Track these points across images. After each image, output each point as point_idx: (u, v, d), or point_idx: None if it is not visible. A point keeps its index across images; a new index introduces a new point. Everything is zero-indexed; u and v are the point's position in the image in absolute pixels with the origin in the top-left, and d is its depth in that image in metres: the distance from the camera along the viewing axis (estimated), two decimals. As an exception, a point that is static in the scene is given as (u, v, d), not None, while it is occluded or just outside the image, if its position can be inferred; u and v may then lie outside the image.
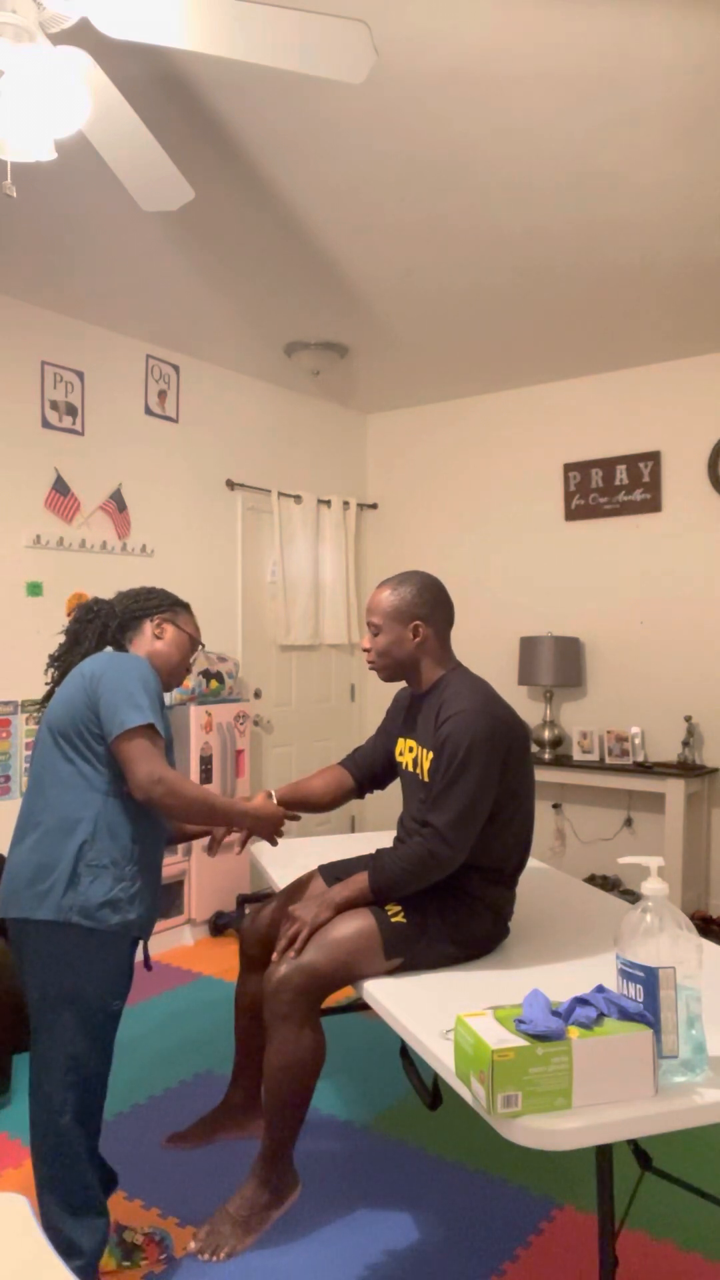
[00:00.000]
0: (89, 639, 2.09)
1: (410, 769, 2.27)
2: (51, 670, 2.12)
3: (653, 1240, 2.13)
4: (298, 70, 1.82)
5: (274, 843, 2.27)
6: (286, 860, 2.80)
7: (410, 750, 2.28)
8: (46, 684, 2.13)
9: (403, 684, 2.46)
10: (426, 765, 2.16)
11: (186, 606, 2.20)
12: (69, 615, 4.08)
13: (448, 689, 2.18)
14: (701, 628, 4.45)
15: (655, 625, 4.59)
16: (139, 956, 2.03)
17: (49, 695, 2.07)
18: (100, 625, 2.10)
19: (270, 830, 2.22)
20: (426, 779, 2.16)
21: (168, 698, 3.14)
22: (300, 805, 2.40)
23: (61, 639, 2.14)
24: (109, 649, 2.07)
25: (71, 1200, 1.88)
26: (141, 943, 1.98)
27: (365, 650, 2.30)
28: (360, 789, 2.47)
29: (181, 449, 4.50)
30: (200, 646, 2.23)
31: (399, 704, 2.43)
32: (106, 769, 1.90)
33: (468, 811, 2.03)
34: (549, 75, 2.31)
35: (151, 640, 2.11)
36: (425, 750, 2.18)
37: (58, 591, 3.89)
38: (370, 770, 2.45)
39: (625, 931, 1.51)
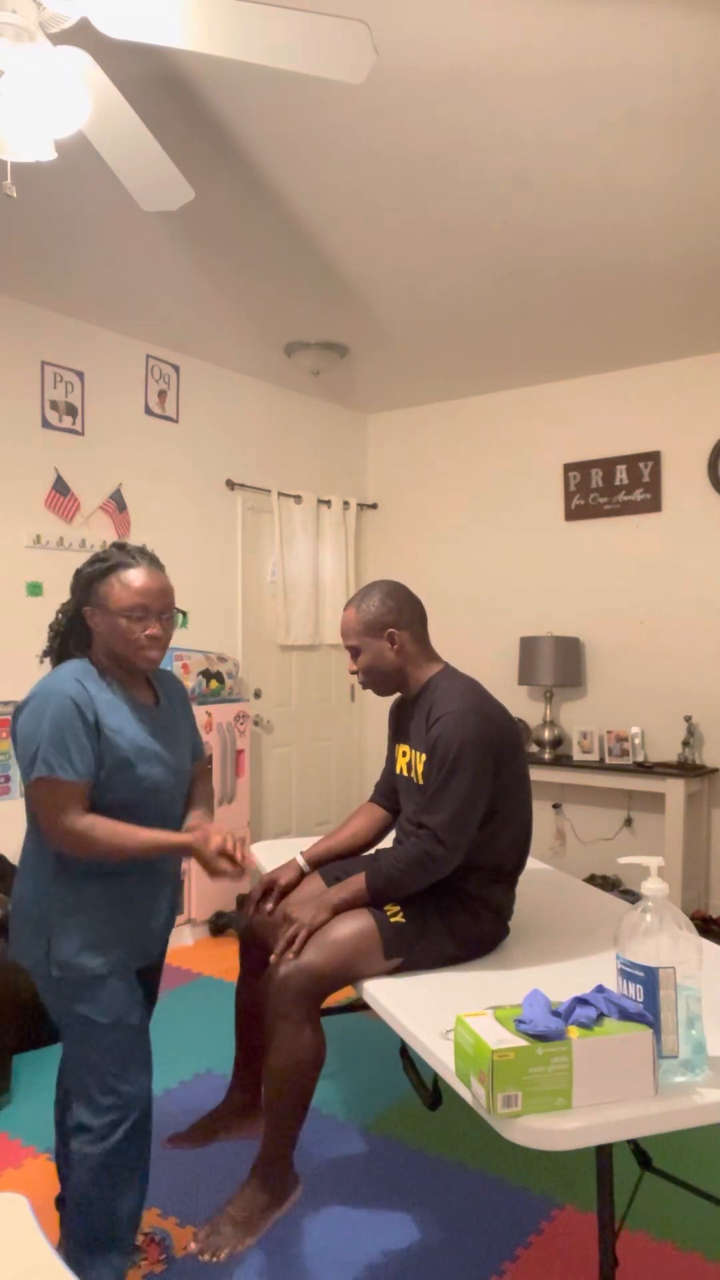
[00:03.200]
0: (53, 654, 1.97)
1: (405, 773, 2.28)
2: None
3: (653, 1240, 2.12)
4: (298, 70, 1.82)
5: (227, 873, 1.89)
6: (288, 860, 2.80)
7: (405, 754, 2.28)
8: None
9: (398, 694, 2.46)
10: (420, 767, 2.16)
11: (115, 566, 1.85)
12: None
13: (437, 690, 2.18)
14: (701, 627, 4.45)
15: (655, 625, 4.59)
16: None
17: None
18: (55, 640, 1.96)
19: (207, 862, 1.87)
20: (421, 781, 2.16)
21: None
22: (337, 858, 2.41)
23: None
24: (60, 668, 1.88)
25: (96, 1233, 1.84)
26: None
27: (352, 673, 2.30)
28: (395, 814, 2.48)
29: (181, 449, 4.50)
30: (138, 613, 1.84)
31: (394, 712, 2.43)
32: None
33: (462, 811, 2.03)
34: (549, 75, 2.31)
35: (95, 634, 1.90)
36: (418, 753, 2.18)
37: (58, 591, 3.86)
38: (395, 791, 2.46)
39: (625, 931, 1.51)
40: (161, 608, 1.87)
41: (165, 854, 1.89)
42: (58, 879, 1.83)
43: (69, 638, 1.95)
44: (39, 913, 1.83)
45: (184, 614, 1.95)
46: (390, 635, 2.21)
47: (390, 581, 2.28)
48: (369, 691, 5.51)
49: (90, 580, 1.86)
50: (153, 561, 1.92)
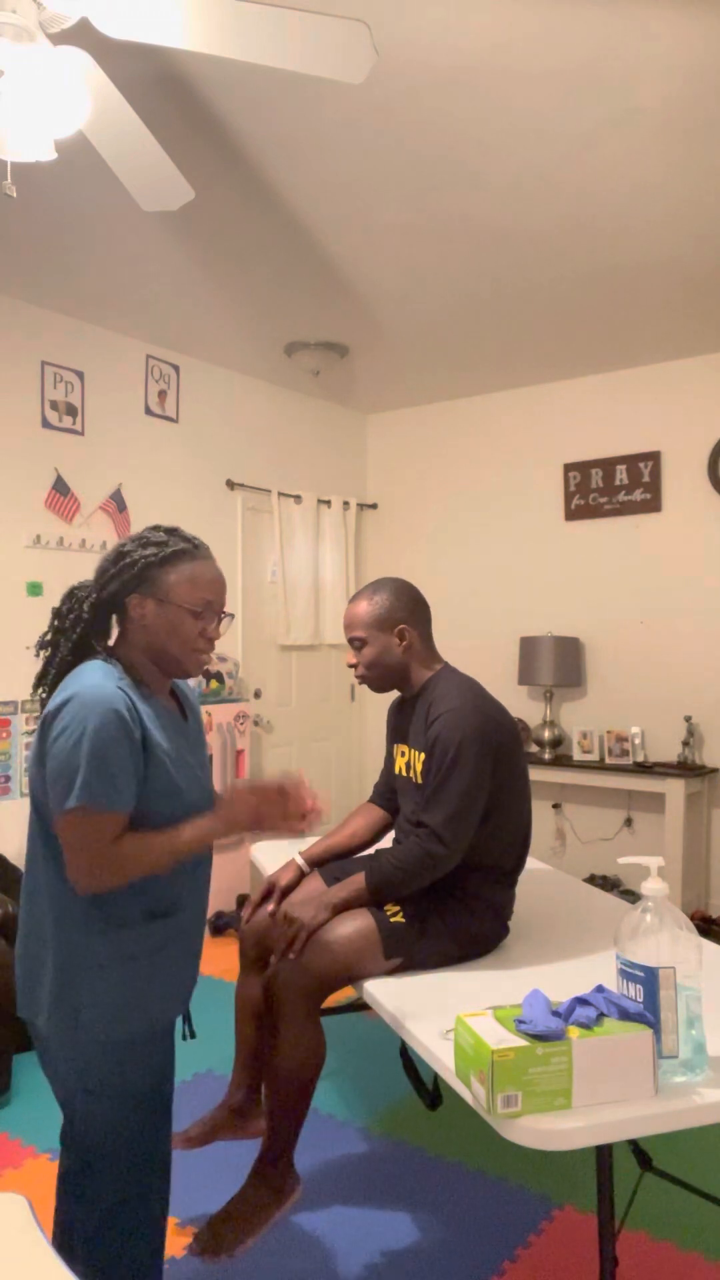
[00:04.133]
0: (63, 653, 1.62)
1: (404, 773, 2.28)
2: (40, 693, 1.65)
3: (653, 1240, 2.12)
4: (298, 70, 1.82)
5: (297, 832, 1.65)
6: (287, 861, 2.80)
7: (404, 754, 2.28)
8: (36, 719, 1.71)
9: (393, 693, 2.45)
10: (419, 766, 2.16)
11: (178, 554, 1.61)
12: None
13: (436, 689, 2.18)
14: (701, 627, 4.45)
15: (655, 625, 4.59)
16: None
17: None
18: (72, 631, 1.62)
19: (261, 814, 1.60)
20: (420, 781, 2.16)
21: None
22: (336, 858, 2.42)
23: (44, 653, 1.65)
24: (89, 668, 1.55)
25: None
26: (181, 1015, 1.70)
27: (351, 666, 2.27)
28: (394, 814, 2.48)
29: (181, 449, 4.50)
30: (205, 612, 1.62)
31: (392, 713, 2.43)
32: None
33: (461, 809, 2.03)
34: (549, 75, 2.31)
35: (136, 626, 1.61)
36: (417, 752, 2.18)
37: (58, 591, 3.89)
38: (393, 792, 2.46)
39: (625, 931, 1.51)
40: (221, 605, 1.67)
41: (212, 840, 1.57)
42: (89, 928, 1.50)
43: (89, 630, 1.64)
44: (63, 974, 1.50)
45: (231, 615, 1.73)
46: (401, 632, 2.21)
47: (400, 579, 2.28)
48: (369, 692, 5.52)
49: (146, 566, 1.59)
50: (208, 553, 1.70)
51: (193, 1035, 1.81)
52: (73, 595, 1.65)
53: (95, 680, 1.50)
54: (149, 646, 1.62)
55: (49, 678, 1.62)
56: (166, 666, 1.64)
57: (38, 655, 1.66)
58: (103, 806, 1.45)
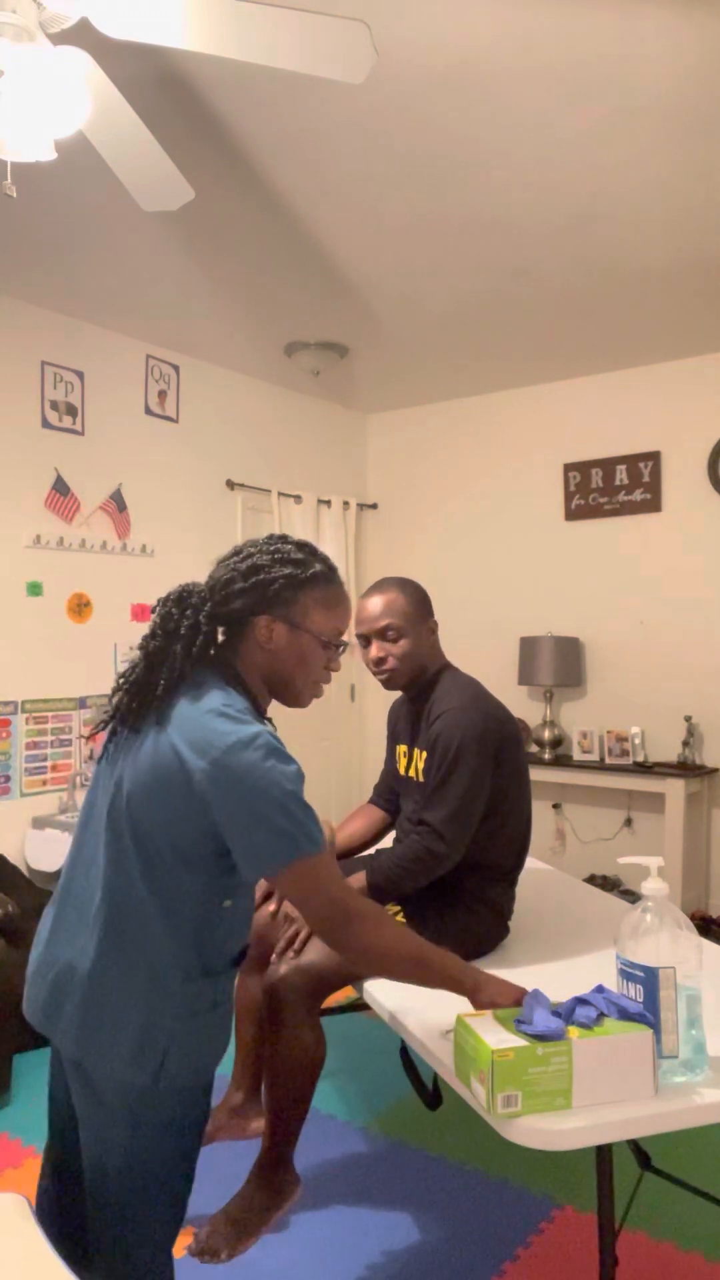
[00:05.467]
0: (173, 662, 1.44)
1: (405, 773, 2.27)
2: (119, 699, 1.46)
3: (653, 1240, 2.12)
4: (298, 70, 1.81)
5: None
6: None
7: (406, 754, 2.28)
8: (107, 721, 1.48)
9: (392, 693, 2.45)
10: (421, 765, 2.16)
11: (318, 578, 1.50)
12: (69, 611, 4.09)
13: (438, 688, 2.18)
14: (701, 628, 4.45)
15: (655, 625, 4.59)
16: None
17: (112, 730, 1.47)
18: (191, 642, 1.44)
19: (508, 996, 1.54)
20: (421, 779, 2.16)
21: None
22: (336, 858, 2.40)
23: (136, 655, 1.49)
24: (213, 697, 1.39)
25: None
26: None
27: (380, 660, 2.15)
28: (394, 815, 2.48)
29: (181, 449, 4.50)
30: (340, 647, 1.54)
31: (393, 713, 2.43)
32: (207, 885, 1.39)
33: (462, 807, 2.03)
34: (548, 74, 2.31)
35: (258, 649, 1.48)
36: (419, 751, 2.18)
37: (58, 591, 3.89)
38: (393, 793, 2.45)
39: (625, 931, 1.51)
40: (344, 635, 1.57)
41: (451, 987, 1.53)
42: (187, 976, 1.39)
43: (208, 643, 1.47)
44: (154, 1023, 1.38)
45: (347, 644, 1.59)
46: (433, 625, 2.20)
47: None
48: (369, 692, 5.52)
49: (285, 587, 1.48)
50: None
51: None
52: (184, 601, 1.48)
53: (256, 724, 1.36)
54: (271, 672, 1.50)
55: (157, 689, 1.43)
56: (281, 694, 1.53)
57: (140, 660, 1.47)
58: (323, 852, 1.36)
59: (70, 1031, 1.41)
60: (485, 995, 1.53)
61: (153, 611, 1.50)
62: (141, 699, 1.44)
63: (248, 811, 1.31)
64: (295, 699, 1.53)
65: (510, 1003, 1.52)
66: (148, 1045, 1.37)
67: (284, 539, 1.55)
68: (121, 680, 1.48)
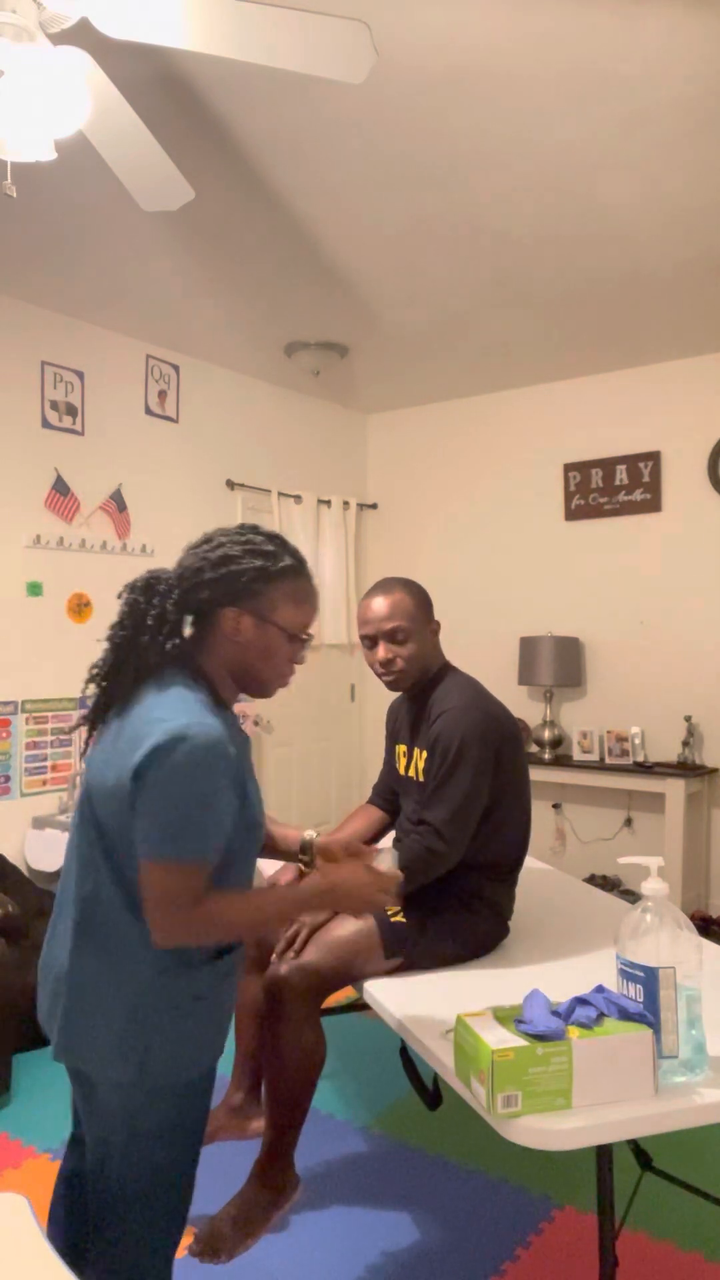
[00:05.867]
0: (140, 652, 1.44)
1: (405, 772, 2.27)
2: (92, 689, 1.48)
3: (653, 1240, 2.12)
4: (298, 70, 1.81)
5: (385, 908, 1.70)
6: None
7: (406, 754, 2.28)
8: (86, 721, 1.49)
9: (392, 693, 2.45)
10: (421, 764, 2.16)
11: (287, 571, 1.50)
12: (69, 611, 4.10)
13: (439, 688, 2.18)
14: (701, 628, 4.45)
15: (655, 625, 4.59)
16: None
17: (92, 720, 1.48)
18: (158, 631, 1.44)
19: (370, 900, 1.59)
20: (421, 779, 2.16)
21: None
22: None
23: (105, 646, 1.48)
24: (176, 689, 1.40)
25: None
26: None
27: (388, 662, 2.14)
28: (393, 815, 2.47)
29: (181, 449, 4.50)
30: (307, 641, 1.54)
31: (393, 712, 2.43)
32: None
33: (463, 807, 2.03)
34: (549, 76, 2.31)
35: (225, 640, 1.48)
36: (419, 750, 2.18)
37: (58, 591, 3.89)
38: (392, 793, 2.45)
39: (625, 931, 1.51)
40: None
41: (304, 913, 1.53)
42: (161, 968, 1.39)
43: (173, 631, 1.46)
44: (131, 1018, 1.38)
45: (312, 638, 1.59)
46: (436, 626, 2.20)
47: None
48: (369, 692, 5.52)
49: (254, 579, 1.47)
50: None
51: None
52: (151, 589, 1.46)
53: (202, 716, 1.35)
54: (236, 663, 1.49)
55: (123, 678, 1.44)
56: (247, 685, 1.53)
57: (108, 651, 1.48)
58: (202, 861, 1.34)
59: (59, 1032, 1.42)
60: (343, 903, 1.55)
61: (119, 598, 1.50)
62: (109, 691, 1.45)
63: (148, 799, 1.32)
64: (261, 690, 1.53)
65: (364, 901, 1.56)
66: (129, 1041, 1.37)
67: (255, 529, 1.54)
68: (94, 672, 1.48)
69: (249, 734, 4.50)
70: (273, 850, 1.83)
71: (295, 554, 1.54)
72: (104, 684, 1.46)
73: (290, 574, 1.50)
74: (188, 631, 1.50)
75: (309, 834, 1.85)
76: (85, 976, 1.41)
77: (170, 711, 1.35)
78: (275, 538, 1.54)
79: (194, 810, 1.31)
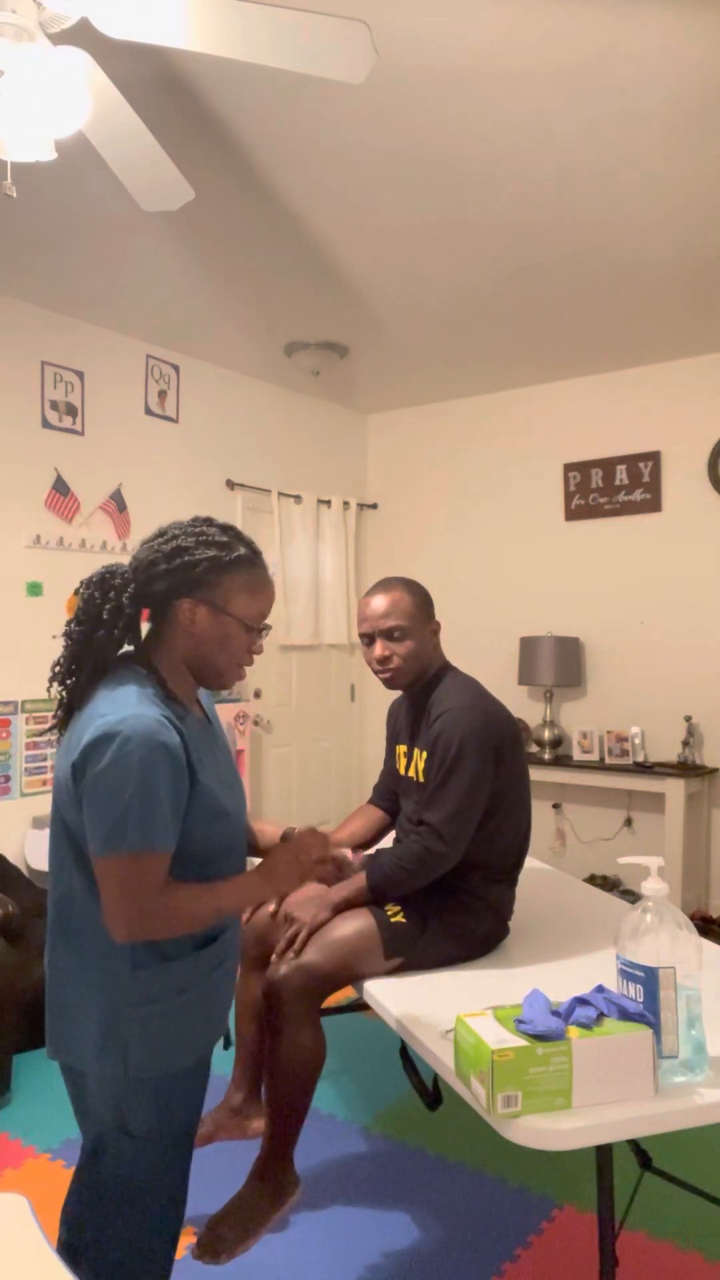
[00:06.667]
0: (97, 649, 1.46)
1: (405, 772, 2.27)
2: (55, 689, 1.49)
3: (653, 1240, 2.12)
4: (298, 70, 1.81)
5: (330, 881, 1.87)
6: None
7: (406, 754, 2.28)
8: (54, 716, 1.51)
9: (392, 693, 2.45)
10: (421, 765, 2.16)
11: (241, 561, 1.50)
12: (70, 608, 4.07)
13: (439, 688, 2.18)
14: (701, 628, 4.45)
15: (655, 625, 4.59)
16: None
17: (61, 720, 1.49)
18: (112, 626, 1.45)
19: (303, 869, 1.56)
20: (421, 779, 2.16)
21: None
22: None
23: (63, 643, 1.49)
24: (127, 686, 1.41)
25: None
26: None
27: (384, 659, 2.14)
28: (393, 815, 2.47)
29: (181, 449, 4.50)
30: (261, 631, 1.54)
31: (393, 713, 2.43)
32: None
33: (463, 807, 2.03)
34: (548, 74, 2.31)
35: (182, 631, 1.49)
36: (419, 751, 2.18)
37: (58, 591, 3.89)
38: (392, 794, 2.45)
39: (625, 931, 1.51)
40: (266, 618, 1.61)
41: (258, 900, 1.51)
42: (138, 963, 1.40)
43: (129, 626, 1.48)
44: (111, 1013, 1.39)
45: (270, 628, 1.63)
46: (436, 625, 2.20)
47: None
48: (369, 692, 5.53)
49: (208, 570, 1.47)
50: None
51: (228, 1045, 1.75)
52: (106, 584, 1.47)
53: (139, 708, 1.35)
54: (192, 655, 1.50)
55: (81, 674, 1.46)
56: (204, 677, 1.53)
57: (66, 645, 1.49)
58: (150, 851, 1.33)
59: (48, 1030, 1.45)
60: (268, 878, 1.51)
61: (75, 594, 1.50)
62: (68, 689, 1.47)
63: (89, 796, 1.33)
64: (219, 680, 1.53)
65: (299, 868, 1.53)
66: (110, 1036, 1.39)
67: (209, 521, 1.54)
68: (55, 670, 1.49)
69: (240, 731, 4.51)
70: (255, 849, 1.83)
71: (250, 544, 1.55)
72: (66, 683, 1.48)
73: (244, 564, 1.51)
74: (145, 626, 1.51)
75: (291, 829, 1.85)
76: (65, 974, 1.43)
77: (111, 707, 1.36)
78: (229, 529, 1.54)
79: (134, 802, 1.31)
